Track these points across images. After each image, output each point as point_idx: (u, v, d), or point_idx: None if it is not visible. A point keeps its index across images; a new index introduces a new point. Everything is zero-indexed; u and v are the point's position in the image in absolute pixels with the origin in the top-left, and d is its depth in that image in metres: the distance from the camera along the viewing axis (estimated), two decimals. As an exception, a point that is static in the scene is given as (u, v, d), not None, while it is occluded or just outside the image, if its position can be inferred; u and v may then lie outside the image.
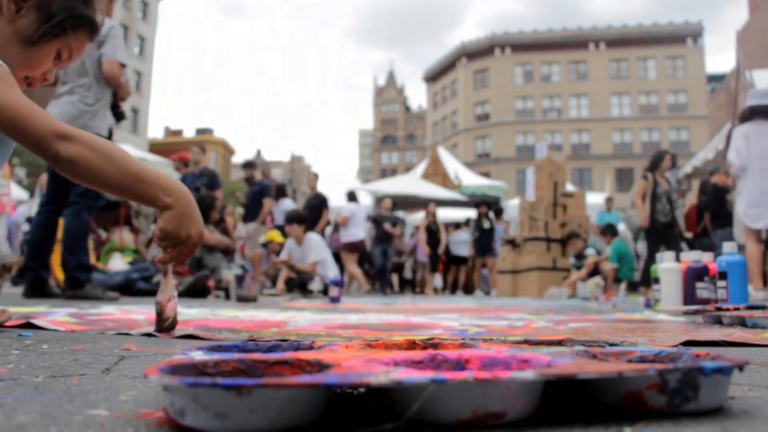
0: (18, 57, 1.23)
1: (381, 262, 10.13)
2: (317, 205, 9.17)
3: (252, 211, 8.65)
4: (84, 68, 3.80)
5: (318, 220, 8.97)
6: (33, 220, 4.10)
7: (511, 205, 13.86)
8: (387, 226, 10.10)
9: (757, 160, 4.86)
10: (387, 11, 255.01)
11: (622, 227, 9.56)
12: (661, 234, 6.37)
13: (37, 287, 3.81)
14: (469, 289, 11.59)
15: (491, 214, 11.16)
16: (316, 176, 9.80)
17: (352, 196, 9.79)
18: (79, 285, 3.85)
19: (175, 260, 1.24)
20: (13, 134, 1.12)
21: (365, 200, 15.26)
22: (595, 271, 7.83)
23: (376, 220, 10.54)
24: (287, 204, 10.03)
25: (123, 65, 3.90)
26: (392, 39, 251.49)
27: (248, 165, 9.17)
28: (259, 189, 8.63)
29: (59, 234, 4.10)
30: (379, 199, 14.74)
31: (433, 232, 11.10)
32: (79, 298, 3.78)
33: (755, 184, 4.87)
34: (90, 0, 1.30)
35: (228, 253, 6.22)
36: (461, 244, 11.76)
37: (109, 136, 3.96)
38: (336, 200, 16.12)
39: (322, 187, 9.69)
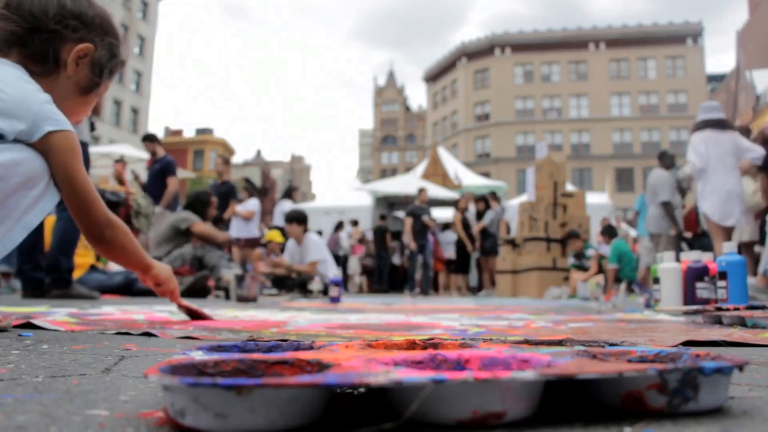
0: (74, 106, 1.43)
1: (422, 260, 9.75)
2: (224, 193, 8.43)
3: (154, 193, 7.08)
4: None
5: (224, 209, 8.27)
6: None
7: (511, 205, 13.84)
8: (426, 218, 9.68)
9: (718, 161, 5.10)
10: (389, 12, 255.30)
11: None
12: None
13: (33, 288, 3.84)
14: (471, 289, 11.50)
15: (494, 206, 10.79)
16: (225, 162, 8.89)
17: (253, 190, 9.32)
18: (67, 285, 3.96)
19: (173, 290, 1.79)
20: (75, 211, 1.34)
21: (366, 200, 15.25)
22: (599, 269, 7.84)
23: (413, 213, 9.89)
24: (288, 205, 9.98)
25: None
26: (393, 40, 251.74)
27: (147, 138, 7.80)
28: (161, 166, 7.39)
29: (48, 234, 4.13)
30: (379, 198, 14.74)
31: (465, 226, 10.54)
32: (68, 297, 3.88)
33: (720, 184, 5.05)
34: (122, 39, 1.51)
35: (225, 247, 6.22)
36: (449, 244, 11.39)
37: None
38: (336, 201, 16.12)
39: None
